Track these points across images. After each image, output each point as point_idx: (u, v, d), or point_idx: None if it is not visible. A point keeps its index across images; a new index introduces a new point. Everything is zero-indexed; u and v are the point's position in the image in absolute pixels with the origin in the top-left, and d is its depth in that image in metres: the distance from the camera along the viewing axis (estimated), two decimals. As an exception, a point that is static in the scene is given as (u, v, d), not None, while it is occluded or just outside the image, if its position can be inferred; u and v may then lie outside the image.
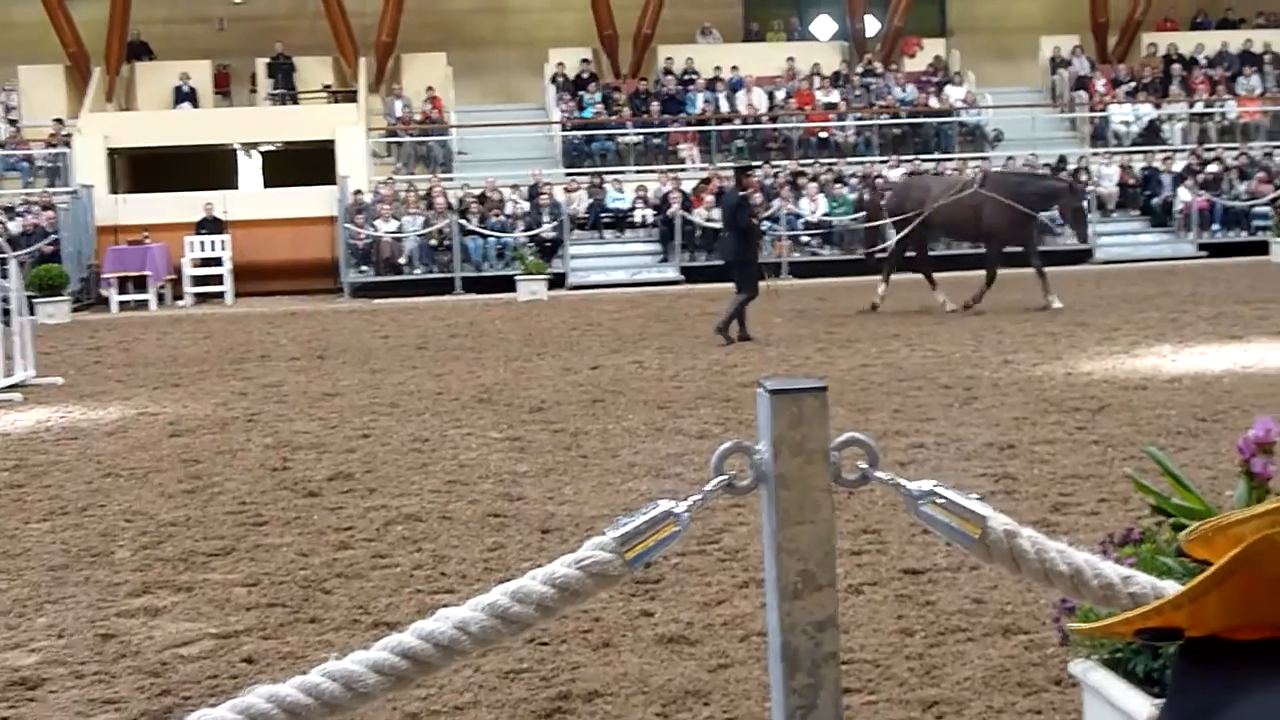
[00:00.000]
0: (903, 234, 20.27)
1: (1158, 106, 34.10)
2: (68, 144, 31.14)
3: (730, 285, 17.63)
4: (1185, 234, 30.38)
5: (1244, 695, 1.26)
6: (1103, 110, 33.99)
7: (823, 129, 33.00)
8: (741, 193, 17.76)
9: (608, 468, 9.46)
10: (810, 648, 2.44)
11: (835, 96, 33.49)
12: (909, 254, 20.55)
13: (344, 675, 2.21)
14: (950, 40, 36.01)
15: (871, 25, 35.85)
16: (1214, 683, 1.30)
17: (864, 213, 22.12)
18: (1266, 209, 30.36)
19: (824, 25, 36.52)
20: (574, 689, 5.19)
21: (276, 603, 6.47)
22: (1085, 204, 23.01)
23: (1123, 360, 14.00)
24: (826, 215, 29.63)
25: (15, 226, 28.47)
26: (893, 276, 20.34)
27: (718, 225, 29.31)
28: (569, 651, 5.62)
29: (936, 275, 20.27)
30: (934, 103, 33.59)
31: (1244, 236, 30.35)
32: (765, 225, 23.27)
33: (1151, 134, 33.64)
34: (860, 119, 33.25)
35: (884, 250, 20.90)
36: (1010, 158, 31.17)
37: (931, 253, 21.21)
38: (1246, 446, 3.72)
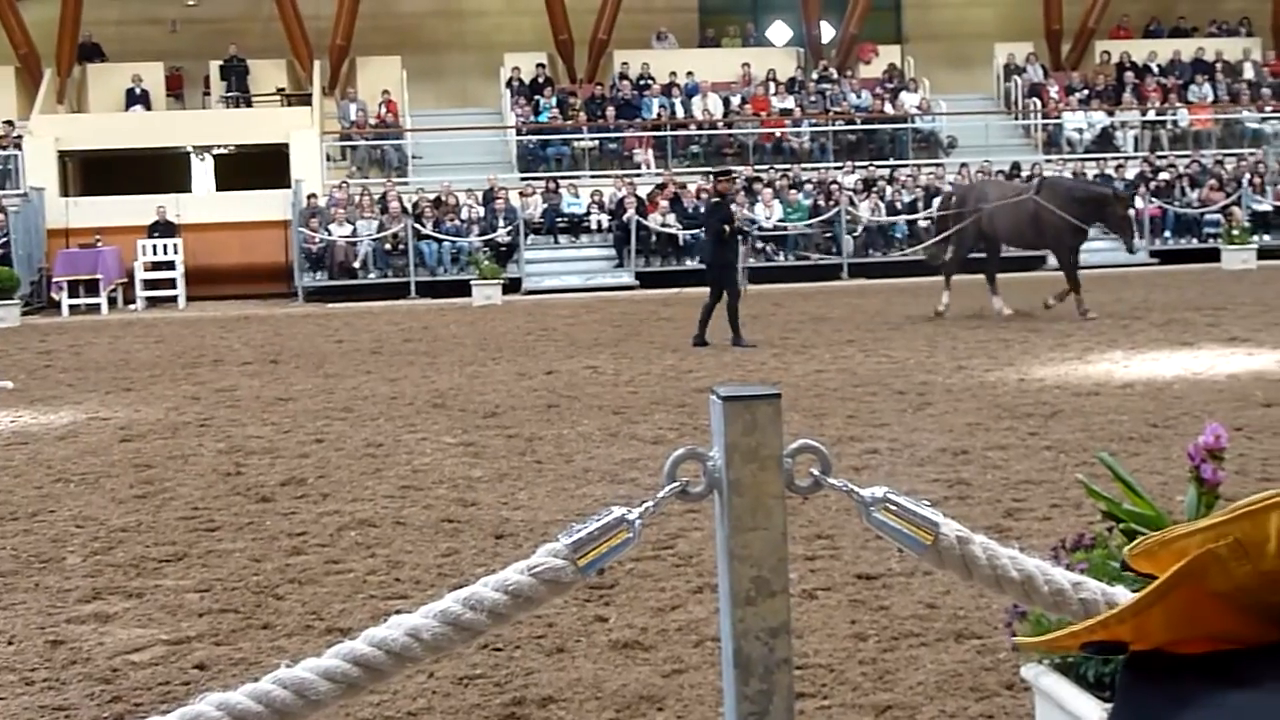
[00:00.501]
0: (941, 236, 20.09)
1: (1110, 114, 34.38)
2: (18, 146, 30.87)
3: (704, 289, 17.67)
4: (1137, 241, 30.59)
5: (1188, 708, 1.27)
6: (1056, 117, 34.23)
7: (779, 134, 33.09)
8: (718, 198, 17.76)
9: (562, 473, 9.45)
10: (763, 654, 2.44)
11: (791, 102, 33.60)
12: (976, 255, 20.15)
13: (296, 683, 2.20)
14: (905, 47, 36.19)
15: (827, 32, 35.99)
16: (1158, 696, 1.31)
17: (937, 216, 21.61)
18: (1218, 216, 30.66)
19: (779, 31, 36.64)
20: (528, 695, 5.18)
21: (229, 609, 6.43)
22: (1132, 212, 22.73)
23: (1075, 366, 14.09)
24: (781, 221, 29.71)
25: (-35, 229, 28.22)
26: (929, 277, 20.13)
27: (672, 230, 29.49)
28: (523, 657, 5.61)
29: (997, 277, 19.87)
30: (889, 109, 33.75)
31: (1195, 244, 30.66)
32: (749, 227, 23.21)
33: (1104, 141, 33.92)
34: (815, 125, 33.38)
35: (917, 252, 20.57)
36: (964, 164, 31.36)
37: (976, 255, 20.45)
38: (1196, 452, 3.75)
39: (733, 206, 19.31)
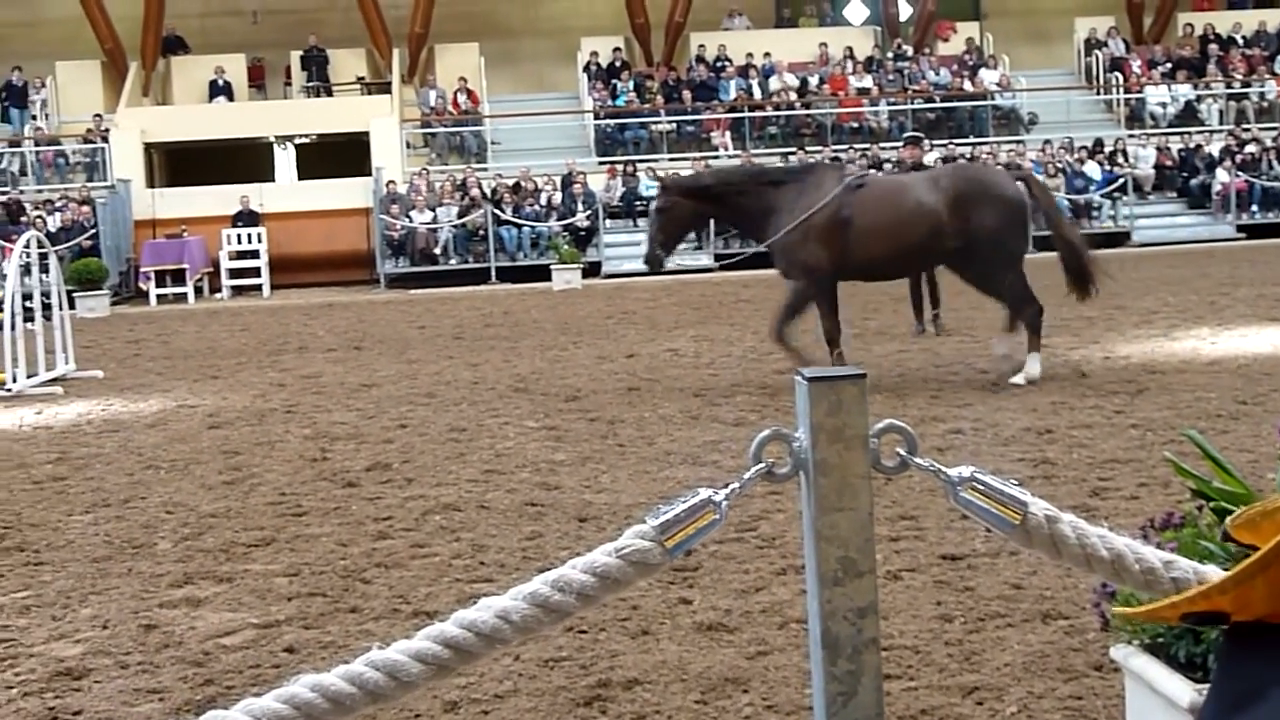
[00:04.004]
0: None
1: (1195, 87, 33.86)
2: (105, 139, 31.32)
3: None
4: (1223, 215, 30.17)
5: None
6: (1139, 91, 33.78)
7: (856, 114, 32.92)
8: (915, 166, 15.88)
9: (644, 456, 9.46)
10: (851, 634, 2.44)
11: (868, 81, 33.40)
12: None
13: (387, 664, 2.23)
14: (984, 23, 35.85)
15: (904, 10, 35.73)
16: (1259, 666, 1.30)
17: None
18: (1305, 189, 30.18)
19: (856, 10, 36.42)
20: (613, 677, 5.20)
21: (317, 592, 6.50)
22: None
23: (1161, 343, 13.93)
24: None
25: (54, 222, 28.68)
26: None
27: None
28: (608, 639, 5.63)
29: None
30: (968, 86, 33.43)
31: (1284, 218, 30.18)
32: None
33: (1188, 115, 33.41)
34: (894, 104, 33.15)
35: None
36: (1046, 141, 31.06)
37: None
38: (1287, 429, 3.70)
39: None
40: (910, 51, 34.30)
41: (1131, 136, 31.96)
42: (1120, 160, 30.87)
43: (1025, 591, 5.95)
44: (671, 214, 12.54)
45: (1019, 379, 11.57)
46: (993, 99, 33.35)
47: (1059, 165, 30.50)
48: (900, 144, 18.48)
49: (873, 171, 12.42)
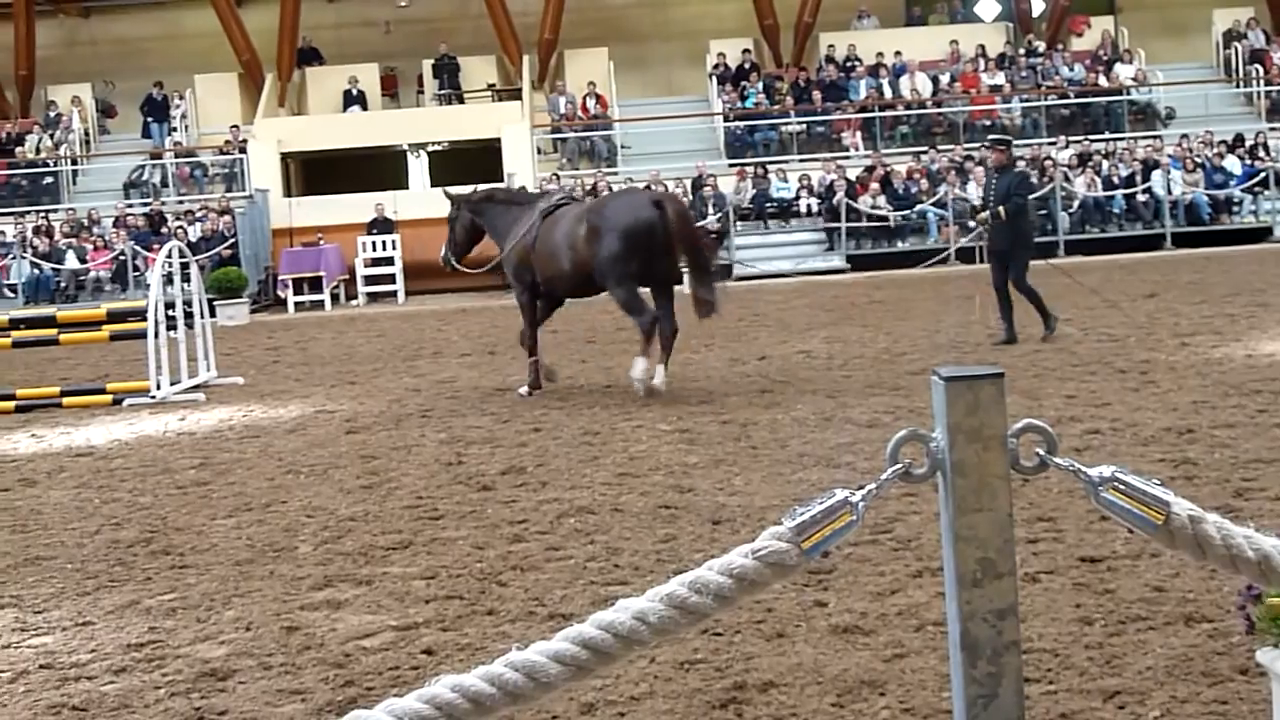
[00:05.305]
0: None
1: (1339, 78, 33.03)
2: (243, 150, 31.94)
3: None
4: (1372, 209, 29.38)
5: None
6: (1280, 84, 33.03)
7: (988, 112, 32.55)
8: (1008, 169, 15.56)
9: (777, 458, 9.44)
10: (991, 636, 2.42)
11: (1001, 78, 33.02)
12: None
13: (526, 665, 2.25)
14: (1118, 17, 35.24)
15: (1037, 5, 35.26)
16: None
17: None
18: None
19: (987, 6, 35.98)
20: (748, 679, 5.19)
21: (454, 595, 6.56)
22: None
23: (1306, 341, 13.60)
24: (994, 199, 29.13)
25: (195, 232, 29.34)
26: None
27: (883, 212, 29.23)
28: (743, 642, 5.62)
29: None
30: (1103, 82, 32.88)
31: None
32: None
33: (1333, 108, 32.59)
34: (1027, 100, 32.72)
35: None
36: (1184, 135, 30.48)
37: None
38: None
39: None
40: (1043, 47, 33.83)
41: (1273, 130, 31.20)
42: (1261, 154, 30.17)
43: (1167, 594, 5.85)
44: (455, 224, 14.62)
45: (637, 376, 12.62)
46: (1128, 94, 32.77)
47: (1197, 160, 29.90)
48: (985, 145, 18.13)
49: (569, 201, 13.58)
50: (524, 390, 13.45)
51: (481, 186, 15.60)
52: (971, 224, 22.05)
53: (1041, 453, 2.43)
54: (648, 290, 12.99)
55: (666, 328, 12.76)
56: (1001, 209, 14.96)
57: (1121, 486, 2.34)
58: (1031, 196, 16.64)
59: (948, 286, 19.62)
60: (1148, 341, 14.30)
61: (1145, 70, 33.05)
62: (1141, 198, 29.57)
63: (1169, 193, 29.24)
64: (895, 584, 6.29)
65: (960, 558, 2.43)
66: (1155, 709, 4.67)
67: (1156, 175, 29.46)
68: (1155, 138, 31.46)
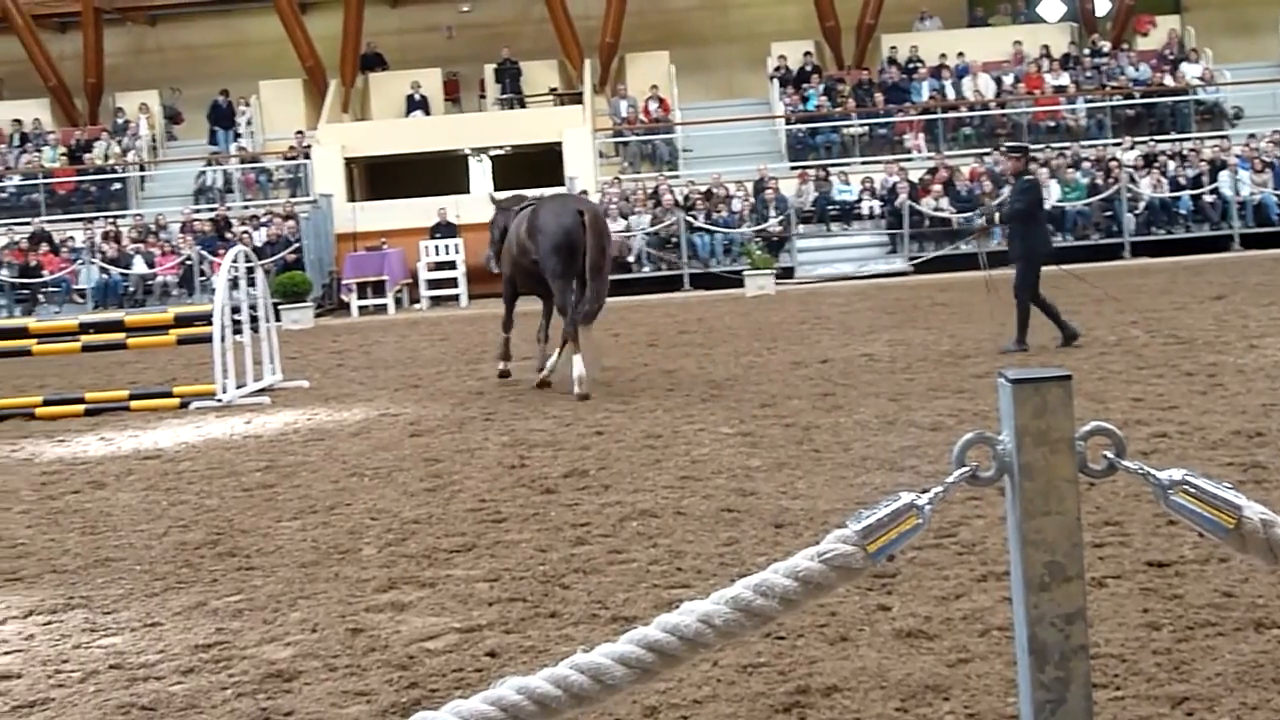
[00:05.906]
0: None
1: None
2: (307, 155, 32.18)
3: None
4: None
5: None
6: (1351, 83, 32.59)
7: (1053, 113, 32.31)
8: (1021, 176, 15.26)
9: (840, 461, 9.40)
10: (1059, 640, 2.40)
11: (1065, 79, 32.76)
12: None
13: (592, 668, 2.25)
14: (1184, 16, 34.89)
15: (1101, 5, 34.96)
16: None
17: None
18: None
19: (1051, 6, 35.72)
20: (812, 683, 5.17)
21: (517, 598, 6.58)
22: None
23: (1378, 343, 13.41)
24: (1059, 202, 28.93)
25: (260, 236, 29.58)
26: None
27: (946, 215, 29.07)
28: (806, 646, 5.61)
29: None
30: (1169, 81, 32.55)
31: None
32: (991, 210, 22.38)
33: (1404, 105, 32.12)
34: (1092, 101, 32.46)
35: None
36: (1251, 135, 30.14)
37: None
38: None
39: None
40: (1108, 47, 33.53)
41: (1344, 129, 30.81)
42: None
43: (1237, 599, 5.78)
44: (494, 226, 15.75)
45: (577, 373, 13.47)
46: (1195, 94, 32.44)
47: (1266, 160, 29.56)
48: (1001, 151, 18.19)
49: (528, 206, 14.69)
50: (501, 366, 15.37)
51: (533, 191, 17.04)
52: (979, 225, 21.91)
53: (1110, 456, 2.41)
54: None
55: (581, 311, 13.84)
56: (997, 216, 15.11)
57: (1192, 490, 2.32)
58: (1046, 205, 16.44)
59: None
60: (1215, 344, 14.15)
61: (1212, 69, 32.70)
62: (1209, 198, 29.27)
63: (1236, 193, 28.94)
64: (960, 588, 6.25)
65: (1028, 562, 2.41)
66: (1224, 716, 4.62)
67: (1224, 175, 29.15)
68: (1222, 138, 31.12)
